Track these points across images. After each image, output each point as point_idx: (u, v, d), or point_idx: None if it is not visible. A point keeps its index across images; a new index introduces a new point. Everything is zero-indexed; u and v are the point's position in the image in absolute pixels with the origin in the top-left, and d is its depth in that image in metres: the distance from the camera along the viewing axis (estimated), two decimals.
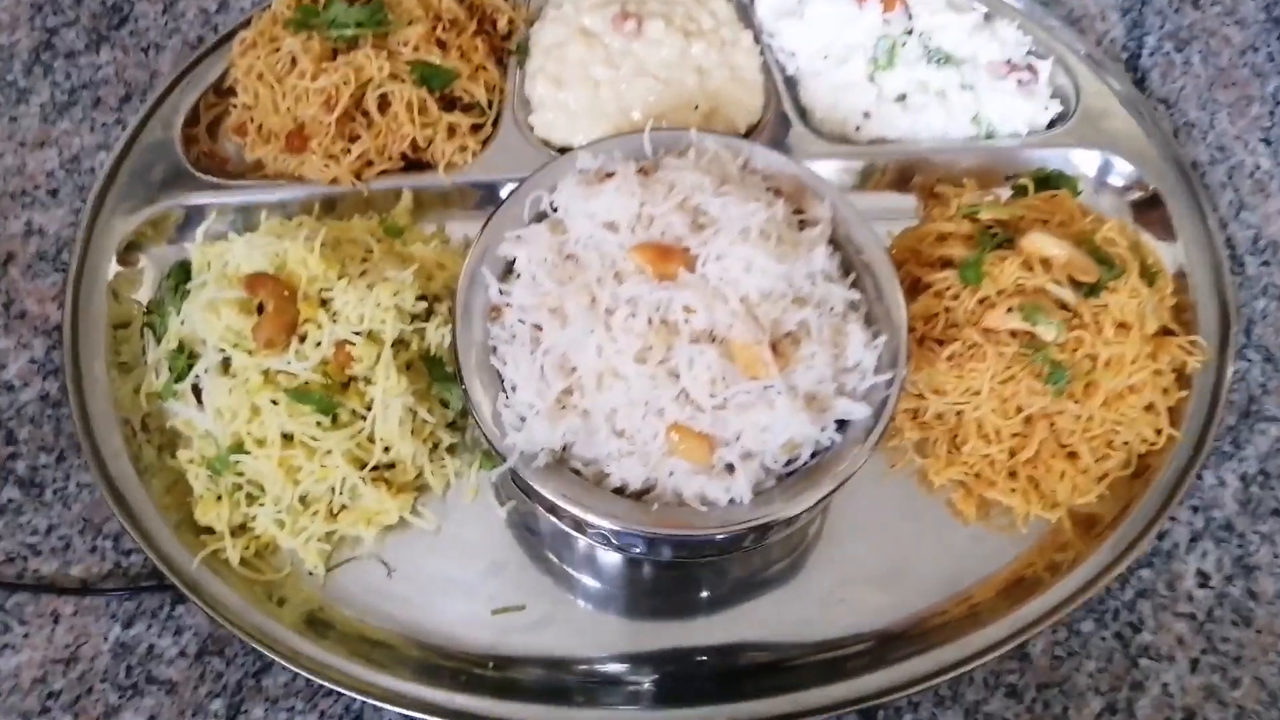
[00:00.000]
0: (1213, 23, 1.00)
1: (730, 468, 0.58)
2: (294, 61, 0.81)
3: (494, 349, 0.61)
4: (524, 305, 0.60)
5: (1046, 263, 0.71)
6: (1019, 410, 0.71)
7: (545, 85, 0.87)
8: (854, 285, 0.64)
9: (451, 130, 0.84)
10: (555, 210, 0.64)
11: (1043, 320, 0.69)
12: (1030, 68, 0.90)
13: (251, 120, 0.85)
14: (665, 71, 0.87)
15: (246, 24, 0.87)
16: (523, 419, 0.59)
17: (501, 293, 0.62)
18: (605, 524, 0.58)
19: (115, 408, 0.75)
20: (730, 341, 0.57)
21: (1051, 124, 0.89)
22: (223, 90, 0.89)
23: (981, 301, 0.71)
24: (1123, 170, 0.87)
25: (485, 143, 0.86)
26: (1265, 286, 0.84)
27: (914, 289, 0.76)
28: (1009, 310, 0.70)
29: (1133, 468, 0.74)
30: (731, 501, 0.58)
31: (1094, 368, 0.70)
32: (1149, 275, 0.74)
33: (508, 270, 0.64)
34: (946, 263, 0.75)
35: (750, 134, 0.87)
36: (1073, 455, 0.72)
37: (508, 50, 0.90)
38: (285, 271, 0.71)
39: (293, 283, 0.70)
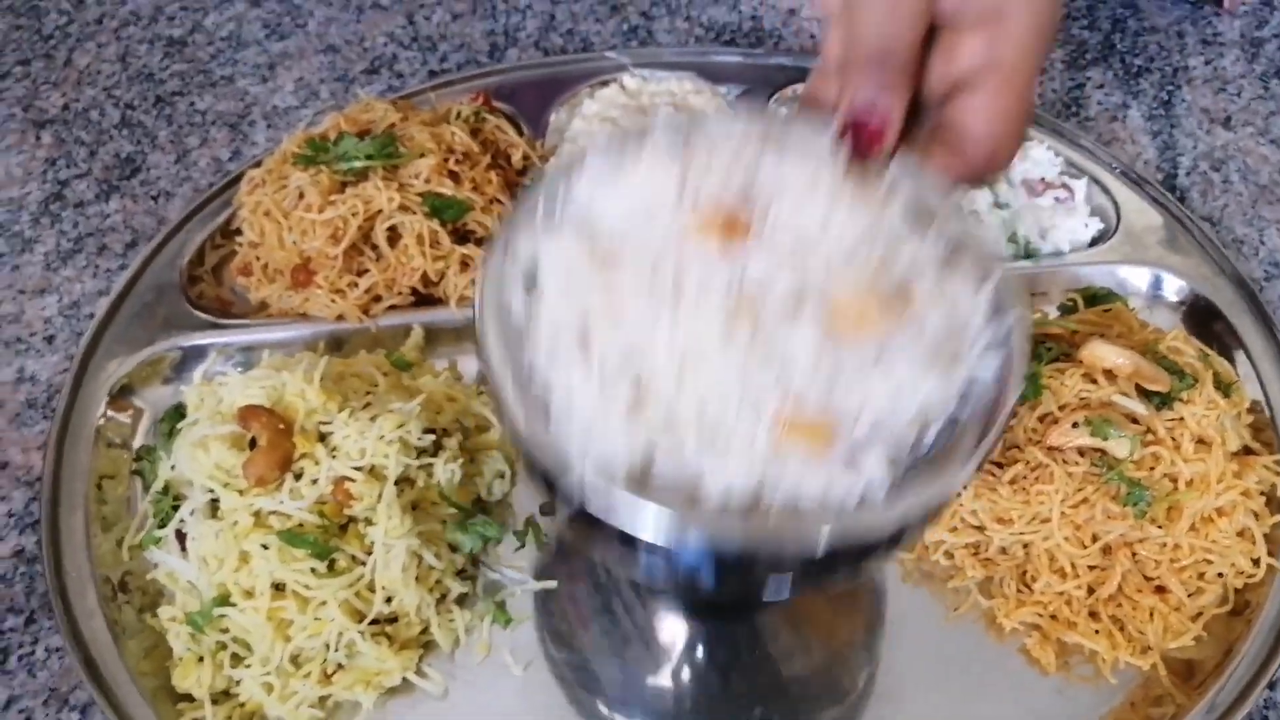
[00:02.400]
0: (1247, 142, 0.97)
1: (853, 456, 0.44)
2: (301, 195, 0.79)
3: (530, 378, 0.47)
4: (558, 321, 0.47)
5: (1110, 374, 0.65)
6: (1095, 539, 0.63)
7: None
8: None
9: (464, 263, 0.81)
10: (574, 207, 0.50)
11: (1114, 434, 0.62)
12: (1065, 185, 0.86)
13: (257, 259, 0.82)
14: None
15: (257, 165, 0.86)
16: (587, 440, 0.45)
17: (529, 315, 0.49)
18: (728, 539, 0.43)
19: (94, 564, 0.68)
20: (829, 297, 0.44)
21: (1093, 243, 0.85)
22: (229, 232, 0.86)
23: (1043, 418, 0.65)
24: (1175, 286, 0.82)
25: None
26: None
27: None
28: (1075, 425, 0.63)
29: (1231, 604, 0.65)
30: (863, 501, 0.44)
31: (1175, 488, 0.63)
32: (1223, 386, 0.68)
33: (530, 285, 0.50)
34: None
35: None
36: (1161, 590, 0.64)
37: (521, 185, 0.88)
38: (282, 405, 0.66)
39: (289, 416, 0.65)
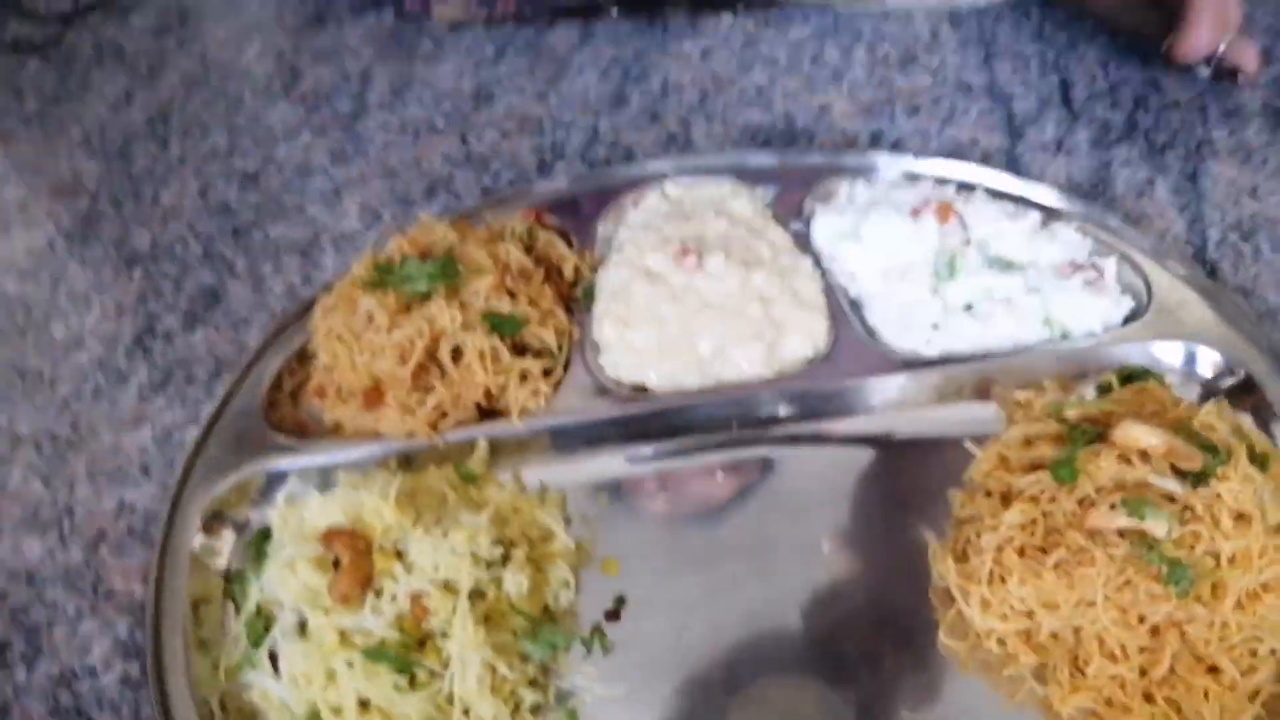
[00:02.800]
0: (1274, 211, 0.99)
1: None
2: (370, 318, 0.85)
3: None
4: None
5: (1144, 454, 0.68)
6: (1142, 620, 0.65)
7: (613, 326, 0.89)
8: None
9: (524, 376, 0.86)
10: None
11: (1151, 514, 0.64)
12: (1095, 267, 0.89)
13: (331, 381, 0.88)
14: (729, 302, 0.89)
15: (327, 289, 0.92)
16: None
17: None
18: None
19: (194, 687, 0.73)
20: None
21: (1126, 321, 0.87)
22: (305, 357, 0.93)
23: (1081, 502, 0.67)
24: (1210, 359, 0.84)
25: (556, 386, 0.87)
26: None
27: (1005, 498, 0.72)
28: (1112, 507, 0.65)
29: None
30: None
31: (1218, 565, 0.65)
32: (1259, 460, 0.69)
33: None
34: (1037, 466, 0.71)
35: (819, 358, 0.87)
36: (1213, 670, 0.65)
37: (574, 296, 0.93)
38: (360, 524, 0.71)
39: (368, 535, 0.70)
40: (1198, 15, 1.04)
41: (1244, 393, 0.81)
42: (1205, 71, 1.10)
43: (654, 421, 0.86)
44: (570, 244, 0.97)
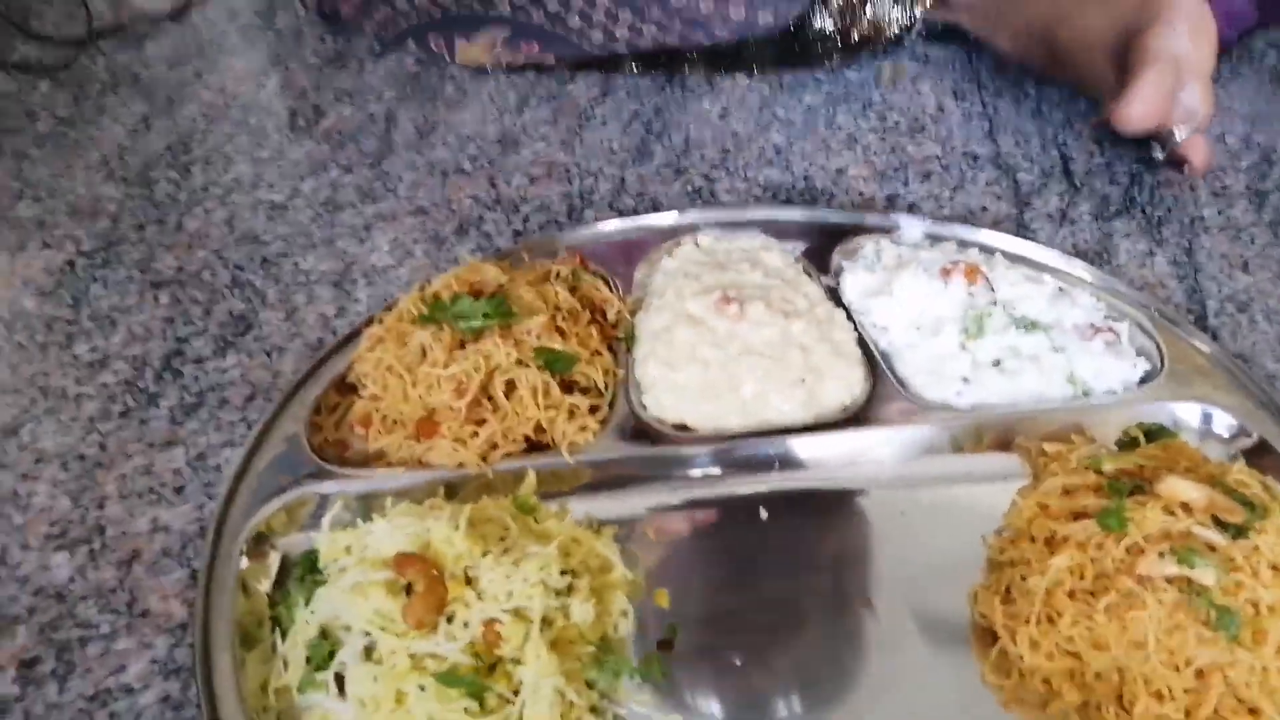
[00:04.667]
0: (1265, 285, 1.06)
1: None
2: (424, 352, 0.86)
3: None
4: None
5: (1187, 507, 0.72)
6: (1189, 663, 0.68)
7: (657, 367, 0.91)
8: None
9: (572, 412, 0.88)
10: None
11: (1200, 563, 0.68)
12: (1112, 329, 0.95)
13: (377, 411, 0.89)
14: (770, 349, 0.92)
15: (369, 322, 0.93)
16: None
17: None
18: None
19: (244, 704, 0.72)
20: None
21: (1142, 382, 0.93)
22: (344, 387, 0.93)
23: (1129, 549, 0.71)
24: (1224, 421, 0.89)
25: (603, 423, 0.89)
26: None
27: (1050, 544, 0.76)
28: (1161, 555, 0.69)
29: None
30: None
31: (1258, 614, 0.69)
32: None
33: None
34: (1079, 515, 0.75)
35: (855, 406, 0.91)
36: (1254, 712, 0.69)
37: (616, 337, 0.96)
38: (431, 551, 0.71)
39: (440, 562, 0.70)
40: (1137, 87, 1.07)
41: (1260, 455, 0.86)
42: (1159, 153, 1.16)
43: (697, 460, 0.88)
44: (611, 288, 1.00)
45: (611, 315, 0.96)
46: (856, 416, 0.90)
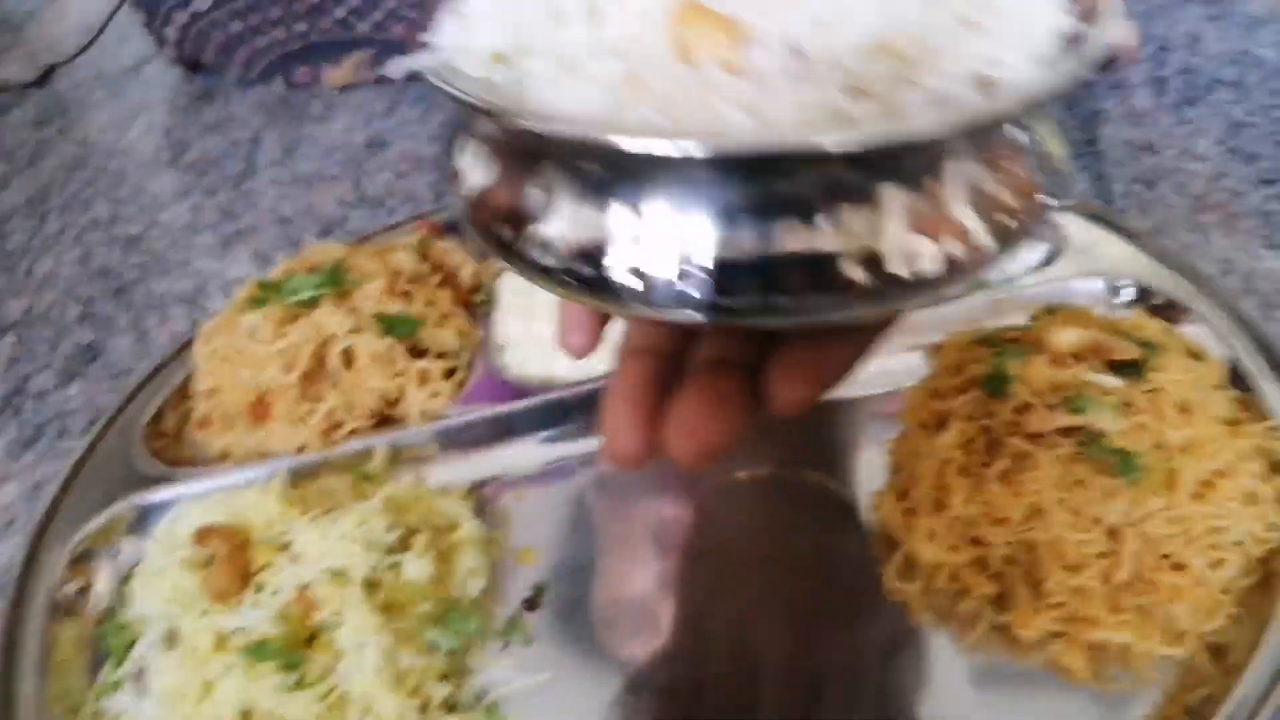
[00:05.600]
0: (1172, 163, 0.99)
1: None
2: (253, 333, 0.79)
3: None
4: None
5: (1077, 356, 0.64)
6: (1097, 521, 0.59)
7: (516, 321, 0.84)
8: None
9: (423, 378, 0.80)
10: None
11: (1094, 407, 0.60)
12: None
13: (216, 408, 0.82)
14: None
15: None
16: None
17: None
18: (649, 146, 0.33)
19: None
20: None
21: (1042, 267, 0.85)
22: (187, 393, 0.86)
23: (1018, 410, 0.63)
24: (1129, 290, 0.81)
25: (460, 386, 0.82)
26: None
27: (941, 424, 0.67)
28: (1050, 407, 0.61)
29: (1256, 575, 0.61)
30: None
31: (1170, 456, 0.60)
32: (1194, 354, 0.66)
33: None
34: (968, 388, 0.67)
35: None
36: (1179, 567, 0.60)
37: (474, 300, 0.89)
38: (240, 519, 0.63)
39: (246, 529, 0.62)
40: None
41: (1170, 314, 0.78)
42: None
43: (563, 411, 0.80)
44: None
45: (466, 277, 0.89)
46: None
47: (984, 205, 0.38)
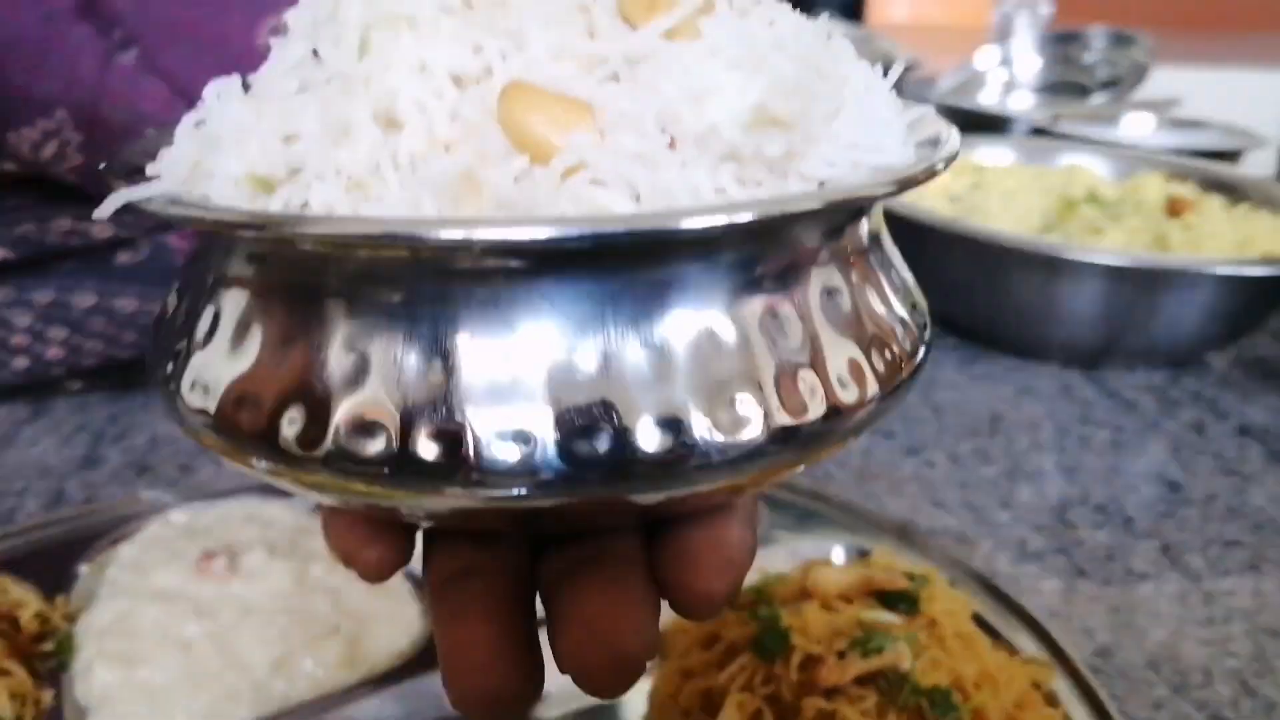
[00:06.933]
0: None
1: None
2: None
3: None
4: None
5: (845, 598, 0.56)
6: None
7: (109, 671, 0.61)
8: None
9: None
10: None
11: (890, 644, 0.51)
12: None
13: None
14: (281, 602, 0.66)
15: None
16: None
17: None
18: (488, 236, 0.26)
19: None
20: None
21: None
22: None
23: (803, 664, 0.53)
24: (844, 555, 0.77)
25: None
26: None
27: (709, 707, 0.55)
28: (841, 655, 0.52)
29: None
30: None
31: (970, 694, 0.53)
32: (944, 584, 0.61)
33: None
34: (731, 655, 0.56)
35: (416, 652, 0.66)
36: None
37: (42, 652, 0.63)
38: None
39: None
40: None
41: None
42: None
43: None
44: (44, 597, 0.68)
45: (28, 622, 0.64)
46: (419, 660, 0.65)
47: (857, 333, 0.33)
